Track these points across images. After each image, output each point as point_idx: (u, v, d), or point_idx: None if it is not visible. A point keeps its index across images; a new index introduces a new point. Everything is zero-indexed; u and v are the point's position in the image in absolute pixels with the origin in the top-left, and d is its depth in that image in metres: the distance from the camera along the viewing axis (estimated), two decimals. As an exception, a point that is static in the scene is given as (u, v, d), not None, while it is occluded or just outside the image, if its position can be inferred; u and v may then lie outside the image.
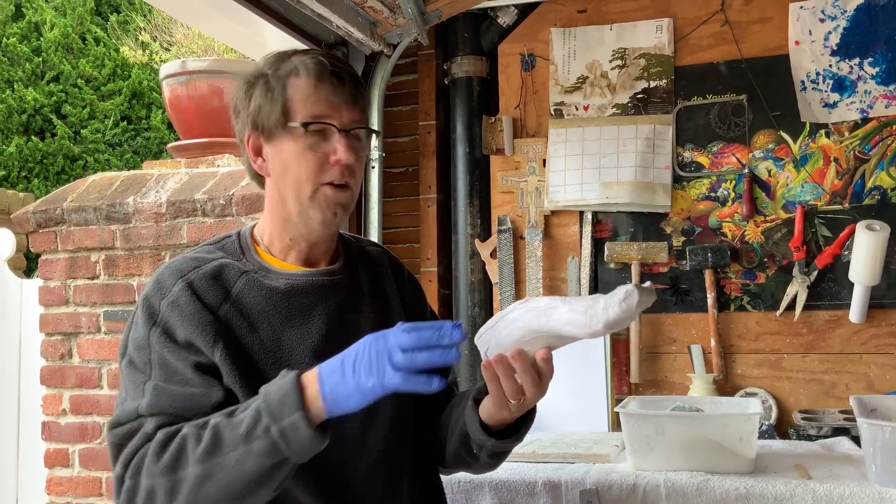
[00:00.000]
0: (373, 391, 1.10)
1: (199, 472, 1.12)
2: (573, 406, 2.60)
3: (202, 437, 1.14)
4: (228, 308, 1.28)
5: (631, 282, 2.67)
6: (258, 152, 1.36)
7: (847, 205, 2.59)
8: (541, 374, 1.22)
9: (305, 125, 1.30)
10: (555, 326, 1.18)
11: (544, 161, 2.85)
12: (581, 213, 2.80)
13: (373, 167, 2.88)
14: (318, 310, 1.33)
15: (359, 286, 1.42)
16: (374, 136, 1.40)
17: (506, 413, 1.27)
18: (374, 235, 2.86)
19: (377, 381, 1.09)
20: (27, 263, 4.21)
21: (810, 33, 2.64)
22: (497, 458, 1.39)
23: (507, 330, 1.20)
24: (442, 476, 1.52)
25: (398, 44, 2.75)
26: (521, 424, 1.33)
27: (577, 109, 2.84)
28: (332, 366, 1.13)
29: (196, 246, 1.41)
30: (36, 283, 3.37)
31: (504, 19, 2.93)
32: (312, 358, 1.27)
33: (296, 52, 1.36)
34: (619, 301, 1.12)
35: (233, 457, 1.12)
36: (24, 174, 7.46)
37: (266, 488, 1.15)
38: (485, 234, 2.93)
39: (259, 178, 1.41)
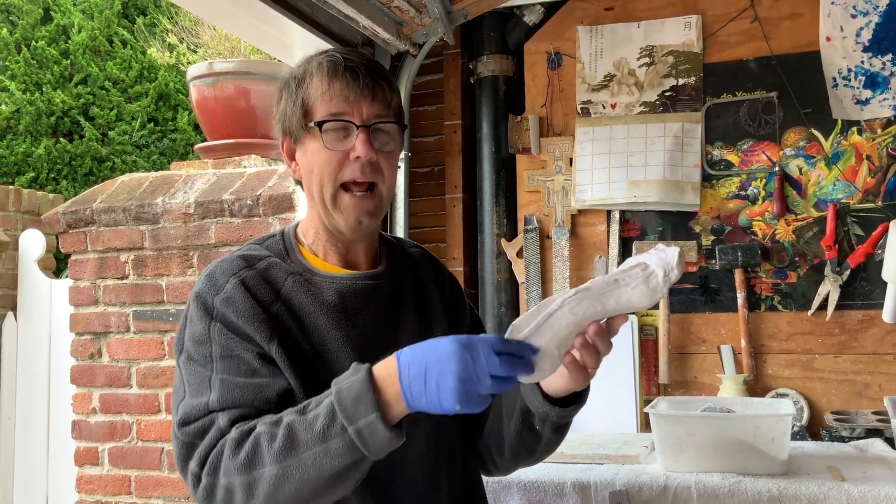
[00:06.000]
0: (455, 411, 1.09)
1: (277, 471, 1.12)
2: (601, 407, 2.57)
3: (276, 434, 1.13)
4: (279, 307, 1.28)
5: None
6: (291, 156, 1.38)
7: (880, 203, 2.55)
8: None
9: (320, 124, 1.30)
10: (619, 308, 1.19)
11: (571, 160, 2.83)
12: (608, 212, 2.78)
13: (399, 167, 2.88)
14: (362, 313, 1.33)
15: (401, 289, 1.41)
16: (404, 130, 1.37)
17: (573, 385, 1.26)
18: (399, 235, 2.86)
19: (463, 407, 1.09)
20: (56, 264, 4.25)
21: (842, 29, 2.60)
22: (560, 431, 1.37)
23: (564, 320, 1.17)
24: None
25: (424, 43, 2.75)
26: (580, 392, 1.31)
27: (604, 108, 2.82)
28: (416, 371, 1.10)
29: (242, 245, 1.41)
30: (66, 283, 3.40)
31: (530, 18, 2.91)
32: (357, 361, 1.27)
33: (319, 53, 1.36)
34: (677, 265, 1.16)
35: (309, 456, 1.11)
36: (52, 176, 7.54)
37: (344, 485, 1.15)
38: (511, 234, 2.92)
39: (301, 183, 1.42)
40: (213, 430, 1.19)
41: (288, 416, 1.16)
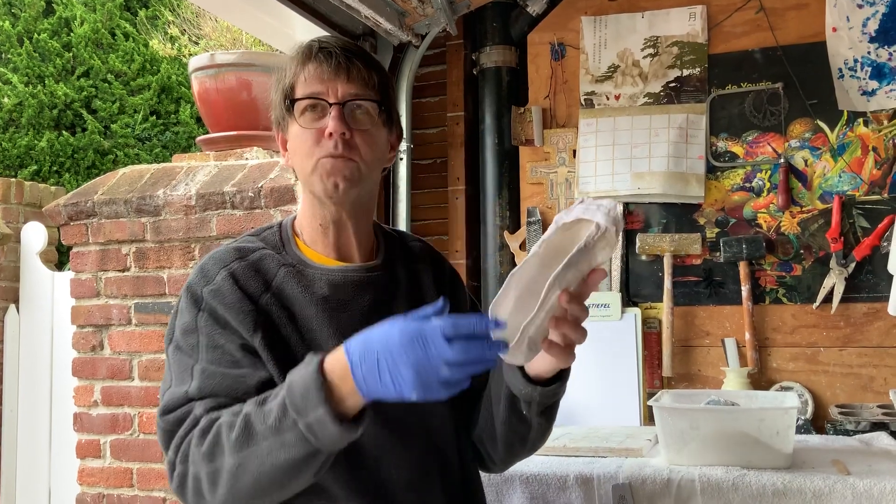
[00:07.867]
0: (415, 400, 1.06)
1: (234, 461, 1.13)
2: (604, 400, 2.57)
3: (234, 425, 1.14)
4: (269, 298, 1.29)
5: (664, 276, 2.64)
6: (284, 146, 1.39)
7: (886, 195, 2.53)
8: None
9: (292, 103, 1.32)
10: (591, 267, 1.19)
11: (574, 152, 2.82)
12: (612, 205, 2.76)
13: (401, 159, 2.87)
14: (353, 305, 1.33)
15: (396, 282, 1.41)
16: (378, 105, 1.34)
17: (560, 364, 1.24)
18: (401, 227, 2.85)
19: (422, 395, 1.05)
20: (58, 256, 4.24)
21: (848, 19, 2.58)
22: (547, 415, 1.35)
23: (554, 295, 1.16)
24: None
25: (426, 34, 2.74)
26: (561, 372, 1.30)
27: (607, 99, 2.80)
28: (369, 365, 1.06)
29: (238, 237, 1.42)
30: (67, 275, 3.40)
31: (533, 8, 2.89)
32: None
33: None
34: (620, 218, 1.18)
35: (265, 447, 1.11)
36: (55, 168, 7.55)
37: (303, 476, 1.14)
38: (514, 226, 2.90)
39: None
40: (190, 419, 1.20)
41: (247, 406, 1.16)
